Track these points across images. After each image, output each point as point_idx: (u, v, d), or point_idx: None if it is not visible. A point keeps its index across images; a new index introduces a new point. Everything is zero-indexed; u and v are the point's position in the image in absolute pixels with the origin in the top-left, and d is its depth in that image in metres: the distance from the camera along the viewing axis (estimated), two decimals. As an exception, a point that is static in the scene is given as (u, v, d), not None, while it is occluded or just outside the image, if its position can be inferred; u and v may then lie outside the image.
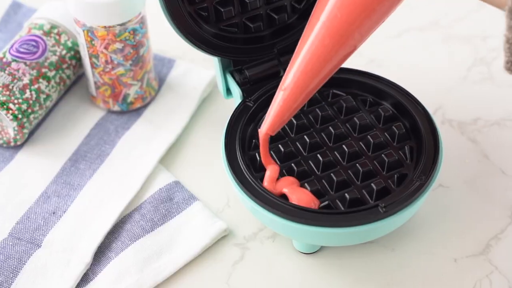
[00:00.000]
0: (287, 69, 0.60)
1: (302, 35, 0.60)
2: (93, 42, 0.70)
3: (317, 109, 0.67)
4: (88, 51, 0.71)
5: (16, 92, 0.70)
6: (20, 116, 0.70)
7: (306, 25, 0.60)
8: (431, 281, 0.63)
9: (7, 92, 0.70)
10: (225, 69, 0.69)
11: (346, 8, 0.57)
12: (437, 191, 0.68)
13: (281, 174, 0.63)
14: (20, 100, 0.70)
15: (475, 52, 0.79)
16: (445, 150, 0.69)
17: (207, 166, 0.71)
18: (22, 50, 0.72)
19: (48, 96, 0.72)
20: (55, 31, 0.73)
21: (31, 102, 0.71)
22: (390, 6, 0.58)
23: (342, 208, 0.61)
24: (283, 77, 0.60)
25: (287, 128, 0.66)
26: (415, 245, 0.65)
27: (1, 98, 0.69)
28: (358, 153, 0.64)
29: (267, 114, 0.61)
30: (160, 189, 0.69)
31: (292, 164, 0.64)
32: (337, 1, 0.57)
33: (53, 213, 0.67)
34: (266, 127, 0.60)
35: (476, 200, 0.68)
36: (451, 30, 0.82)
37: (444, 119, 0.74)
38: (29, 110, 0.71)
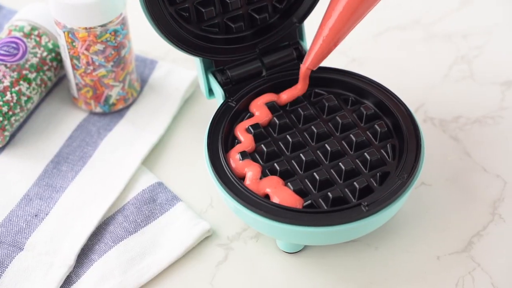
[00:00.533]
0: (327, 11, 0.65)
1: None
2: (74, 44, 0.70)
3: (299, 109, 0.67)
4: (69, 52, 0.70)
5: (-3, 95, 0.70)
6: (1, 118, 0.70)
7: None
8: (414, 278, 0.63)
9: (-12, 95, 0.69)
10: (207, 69, 0.69)
11: None
12: (419, 189, 0.68)
13: (264, 174, 0.63)
14: (0, 103, 0.70)
15: (456, 50, 0.80)
16: (427, 148, 0.70)
17: (190, 166, 0.71)
18: (2, 52, 0.71)
19: (29, 98, 0.72)
20: (36, 32, 0.73)
21: (12, 104, 0.70)
22: None
23: (325, 207, 0.61)
24: (322, 18, 0.66)
25: (270, 128, 0.67)
26: (398, 243, 0.65)
27: (-18, 101, 0.69)
28: (341, 152, 0.64)
29: (307, 53, 0.66)
30: (143, 190, 0.69)
31: (275, 164, 0.64)
32: None
33: (35, 215, 0.67)
34: (308, 62, 0.66)
35: (458, 197, 0.68)
36: (432, 28, 0.82)
37: (426, 117, 0.74)
38: (10, 113, 0.70)
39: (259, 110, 0.67)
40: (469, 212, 0.67)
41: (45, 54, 0.73)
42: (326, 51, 0.66)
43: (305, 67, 0.67)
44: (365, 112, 0.66)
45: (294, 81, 0.69)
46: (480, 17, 0.83)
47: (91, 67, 0.71)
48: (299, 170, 0.64)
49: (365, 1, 0.64)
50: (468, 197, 0.68)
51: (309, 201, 0.61)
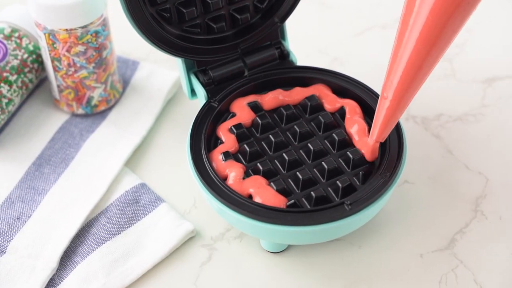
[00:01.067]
0: (387, 76, 0.58)
1: (396, 41, 0.57)
2: (55, 45, 0.69)
3: (281, 108, 0.67)
4: (50, 54, 0.70)
5: (-22, 97, 0.69)
6: (-18, 121, 0.69)
7: (398, 29, 0.57)
8: (398, 276, 0.64)
9: (-32, 97, 0.69)
10: (189, 70, 0.69)
11: (437, 10, 0.54)
12: (402, 187, 0.69)
13: (248, 174, 0.63)
14: (-19, 105, 0.69)
15: (437, 48, 0.80)
16: (410, 147, 0.70)
17: (173, 167, 0.71)
18: (-18, 54, 0.71)
19: (10, 100, 0.71)
20: (16, 34, 0.73)
21: (-7, 107, 0.70)
22: None
23: (308, 207, 0.61)
24: (383, 85, 0.59)
25: (253, 128, 0.67)
26: (381, 241, 0.65)
27: (-38, 104, 0.69)
28: (323, 151, 0.65)
29: (373, 125, 0.61)
30: (126, 191, 0.68)
31: (258, 164, 0.64)
32: (425, 3, 0.54)
33: (18, 218, 0.67)
34: (375, 136, 0.61)
35: (440, 195, 0.68)
36: (413, 27, 0.82)
37: (408, 116, 0.74)
38: (-9, 115, 0.70)
39: (242, 110, 0.67)
40: (451, 210, 0.67)
41: (26, 56, 0.72)
42: (393, 119, 0.59)
43: (373, 140, 0.61)
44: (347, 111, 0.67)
45: (276, 81, 0.69)
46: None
47: (73, 69, 0.71)
48: (282, 170, 0.64)
49: (432, 55, 0.56)
50: (450, 195, 0.68)
51: (292, 201, 0.62)
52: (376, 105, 0.66)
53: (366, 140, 0.64)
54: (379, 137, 0.61)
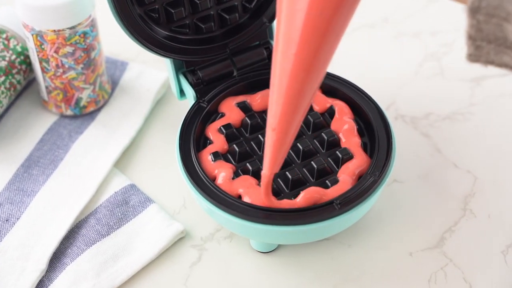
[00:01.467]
0: (269, 107, 0.56)
1: (272, 70, 0.55)
2: (42, 47, 0.69)
3: (270, 108, 0.67)
4: (38, 55, 0.70)
5: (-35, 99, 0.69)
6: (-30, 123, 0.69)
7: (272, 58, 0.55)
8: (388, 275, 0.64)
9: (-44, 99, 0.69)
10: (177, 70, 0.69)
11: (308, 41, 0.52)
12: (391, 186, 0.69)
13: (237, 174, 0.63)
14: (-31, 107, 0.69)
15: (425, 47, 0.80)
16: (399, 146, 0.70)
17: (162, 168, 0.71)
18: (-30, 56, 0.70)
19: (-2, 102, 0.71)
20: (4, 35, 0.72)
21: (-19, 108, 0.70)
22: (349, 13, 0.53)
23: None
24: (268, 116, 0.56)
25: (242, 128, 0.67)
26: (371, 240, 0.65)
27: (-50, 105, 0.68)
28: (313, 151, 0.65)
29: (264, 156, 0.58)
30: (115, 192, 0.68)
31: (247, 164, 0.64)
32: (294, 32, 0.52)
33: (6, 220, 0.66)
34: (268, 168, 0.57)
35: (430, 194, 0.68)
36: (401, 26, 0.82)
37: (397, 115, 0.75)
38: (-21, 117, 0.70)
39: (231, 110, 0.67)
40: (441, 208, 0.68)
41: (13, 57, 0.72)
42: (285, 149, 0.56)
43: (268, 173, 0.57)
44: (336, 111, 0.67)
45: (265, 81, 0.69)
46: (447, 14, 0.84)
47: (61, 70, 0.70)
48: (271, 170, 0.64)
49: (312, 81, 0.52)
50: (439, 193, 0.69)
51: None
52: (365, 105, 0.66)
53: (354, 140, 0.64)
54: (272, 168, 0.57)
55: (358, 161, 0.63)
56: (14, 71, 0.72)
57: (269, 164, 0.57)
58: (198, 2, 0.67)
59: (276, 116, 0.55)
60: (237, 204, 0.60)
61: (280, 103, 0.55)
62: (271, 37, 0.71)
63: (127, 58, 0.79)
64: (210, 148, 0.65)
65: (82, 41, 0.69)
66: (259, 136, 0.65)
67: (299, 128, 0.57)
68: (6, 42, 0.72)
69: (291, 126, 0.55)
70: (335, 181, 0.62)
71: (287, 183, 0.63)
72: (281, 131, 0.55)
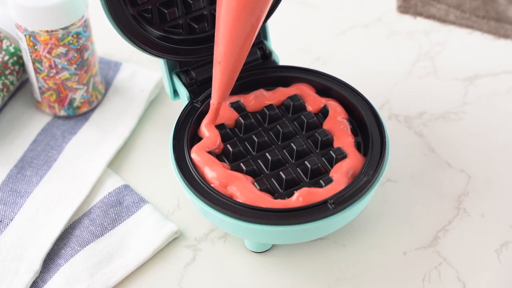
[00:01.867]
0: (215, 43, 0.62)
1: (217, 12, 0.61)
2: (36, 47, 0.69)
3: (264, 108, 0.67)
4: (31, 56, 0.70)
5: (-42, 100, 0.69)
6: (-37, 124, 0.69)
7: (217, 3, 0.61)
8: (382, 274, 0.64)
9: (-51, 100, 0.68)
10: (171, 70, 0.69)
11: None
12: (385, 185, 0.69)
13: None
14: (-38, 108, 0.69)
15: (419, 47, 0.80)
16: (392, 145, 0.70)
17: (156, 168, 0.71)
18: (-37, 56, 0.70)
19: (-9, 103, 0.71)
20: (-3, 36, 0.72)
21: (-26, 109, 0.70)
22: None
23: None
24: (214, 50, 0.62)
25: (236, 128, 0.67)
26: (365, 240, 0.66)
27: None
28: (306, 151, 0.65)
29: (213, 87, 0.64)
30: (109, 193, 0.68)
31: (241, 164, 0.64)
32: None
33: (0, 221, 0.66)
34: (216, 97, 0.64)
35: (423, 193, 0.69)
36: (395, 26, 0.83)
37: (391, 114, 0.75)
38: (-28, 118, 0.69)
39: (224, 110, 0.67)
40: (434, 207, 0.68)
41: (6, 58, 0.72)
42: (230, 81, 0.63)
43: (216, 102, 0.64)
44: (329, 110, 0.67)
45: (258, 81, 0.69)
46: (442, 14, 0.84)
47: (54, 70, 0.70)
48: (265, 170, 0.64)
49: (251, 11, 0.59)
50: (433, 193, 0.69)
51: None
52: (359, 104, 0.66)
53: (348, 140, 0.64)
54: (220, 97, 0.64)
55: (352, 161, 0.63)
56: (7, 71, 0.72)
57: (217, 94, 0.63)
58: (191, 2, 0.67)
59: (222, 50, 0.61)
60: (231, 204, 0.60)
61: (224, 39, 0.61)
62: (265, 37, 0.71)
63: (120, 58, 0.79)
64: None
65: (75, 41, 0.69)
66: (253, 136, 0.65)
67: (243, 61, 0.62)
68: (-1, 42, 0.72)
69: (234, 59, 0.62)
70: (329, 181, 0.62)
71: (281, 183, 0.63)
72: (226, 63, 0.62)
